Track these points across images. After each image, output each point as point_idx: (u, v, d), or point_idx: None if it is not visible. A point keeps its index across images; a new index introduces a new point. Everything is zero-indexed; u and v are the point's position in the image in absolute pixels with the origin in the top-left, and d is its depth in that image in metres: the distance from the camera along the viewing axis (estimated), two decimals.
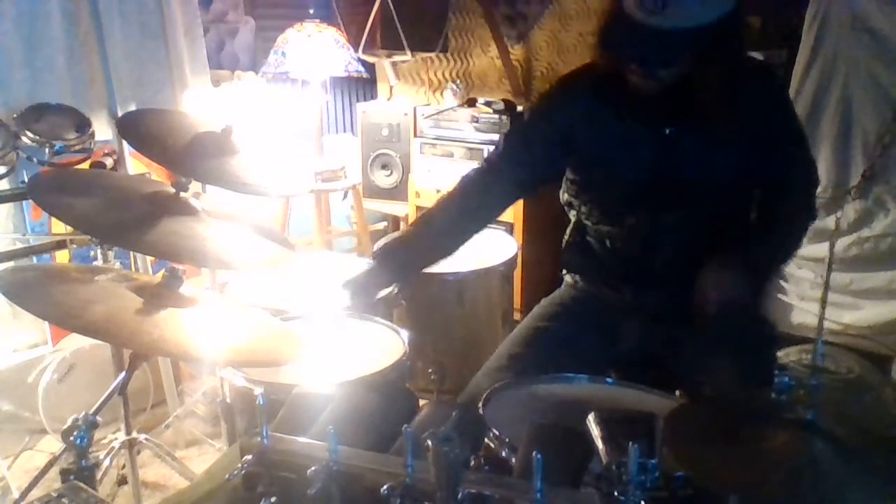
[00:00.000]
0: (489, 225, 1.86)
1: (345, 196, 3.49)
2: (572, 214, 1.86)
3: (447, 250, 1.81)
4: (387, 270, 1.76)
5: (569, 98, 1.73)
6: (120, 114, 2.64)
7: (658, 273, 1.71)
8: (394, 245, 1.82)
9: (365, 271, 1.76)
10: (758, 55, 2.27)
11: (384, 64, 3.57)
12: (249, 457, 1.08)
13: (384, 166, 3.45)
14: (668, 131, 1.62)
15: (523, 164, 1.76)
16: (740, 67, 1.59)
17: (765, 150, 1.64)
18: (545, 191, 1.86)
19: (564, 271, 1.92)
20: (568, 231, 1.88)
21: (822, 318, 1.69)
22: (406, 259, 1.77)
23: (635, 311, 1.75)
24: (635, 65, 1.54)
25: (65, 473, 1.24)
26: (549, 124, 1.75)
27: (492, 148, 3.05)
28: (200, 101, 3.01)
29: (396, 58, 3.51)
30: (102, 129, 2.60)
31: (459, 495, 0.92)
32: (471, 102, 3.31)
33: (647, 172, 1.65)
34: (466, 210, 1.79)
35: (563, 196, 1.86)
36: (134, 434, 2.16)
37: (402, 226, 3.57)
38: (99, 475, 1.85)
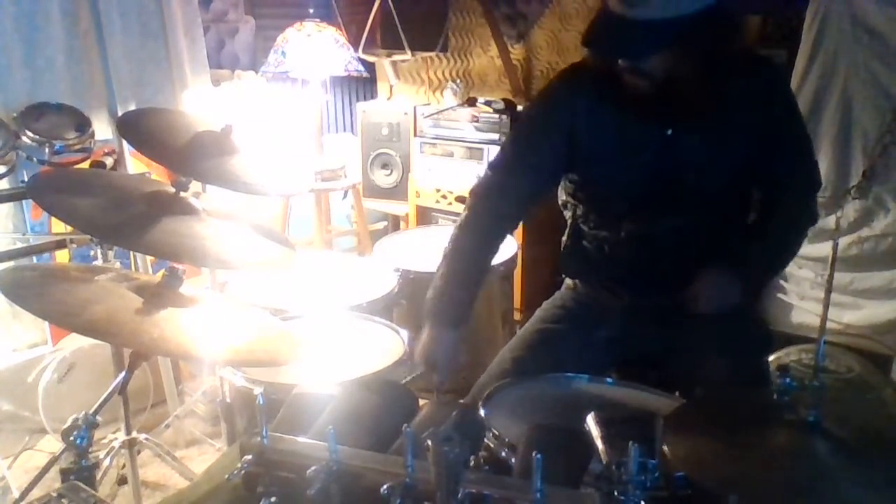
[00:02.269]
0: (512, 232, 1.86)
1: (345, 195, 3.49)
2: (568, 215, 1.84)
3: (484, 272, 1.75)
4: (451, 329, 1.64)
5: (570, 93, 1.70)
6: (120, 113, 2.64)
7: (657, 278, 1.69)
8: (442, 303, 1.66)
9: (434, 341, 1.62)
10: None
11: (384, 63, 3.58)
12: (249, 457, 1.08)
13: (384, 166, 3.46)
14: (669, 132, 1.61)
15: (533, 167, 1.71)
16: (741, 63, 1.58)
17: (766, 148, 1.62)
18: None
19: (563, 275, 1.92)
20: (565, 235, 1.86)
21: (824, 318, 1.68)
22: (458, 310, 1.66)
23: (635, 314, 1.74)
24: (614, 58, 1.54)
25: (65, 473, 1.24)
26: (552, 122, 1.71)
27: (492, 147, 3.10)
28: (200, 101, 3.01)
29: (396, 57, 3.51)
30: (102, 129, 2.60)
31: (459, 495, 0.92)
32: (471, 102, 3.30)
33: (647, 173, 1.64)
34: (489, 231, 1.72)
35: (561, 195, 1.84)
36: (134, 434, 2.16)
37: (402, 225, 3.56)
38: (99, 475, 1.85)
